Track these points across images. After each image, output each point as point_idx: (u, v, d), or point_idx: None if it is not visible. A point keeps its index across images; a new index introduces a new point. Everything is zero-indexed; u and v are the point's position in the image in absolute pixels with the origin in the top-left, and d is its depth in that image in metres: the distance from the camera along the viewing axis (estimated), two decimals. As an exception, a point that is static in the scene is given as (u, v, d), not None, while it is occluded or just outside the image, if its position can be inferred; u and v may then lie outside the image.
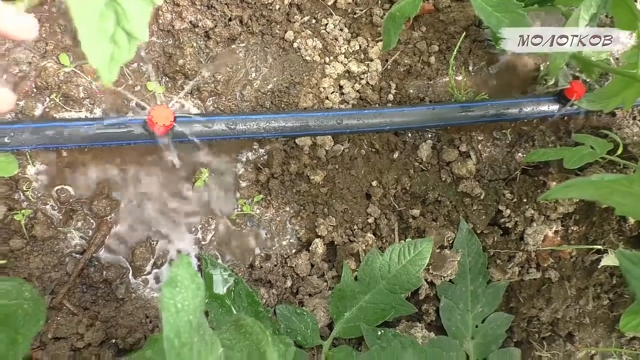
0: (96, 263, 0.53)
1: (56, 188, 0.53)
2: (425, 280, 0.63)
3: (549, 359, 0.64)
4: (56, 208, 0.53)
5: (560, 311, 0.66)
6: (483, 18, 0.47)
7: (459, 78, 0.66)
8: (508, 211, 0.65)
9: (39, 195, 0.53)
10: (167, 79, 0.58)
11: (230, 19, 0.60)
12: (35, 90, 0.53)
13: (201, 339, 0.32)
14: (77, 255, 0.53)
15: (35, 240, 0.51)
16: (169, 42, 0.58)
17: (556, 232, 0.66)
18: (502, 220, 0.65)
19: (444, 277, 0.63)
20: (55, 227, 0.53)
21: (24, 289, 0.43)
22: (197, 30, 0.58)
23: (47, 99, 0.53)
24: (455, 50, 0.62)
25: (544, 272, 0.66)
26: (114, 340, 0.52)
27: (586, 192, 0.31)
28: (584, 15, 0.51)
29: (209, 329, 0.34)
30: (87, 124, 0.49)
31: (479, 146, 0.66)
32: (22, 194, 0.52)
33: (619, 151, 0.63)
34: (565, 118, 0.69)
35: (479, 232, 0.65)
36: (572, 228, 0.66)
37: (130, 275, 0.54)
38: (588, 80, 0.69)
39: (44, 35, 0.54)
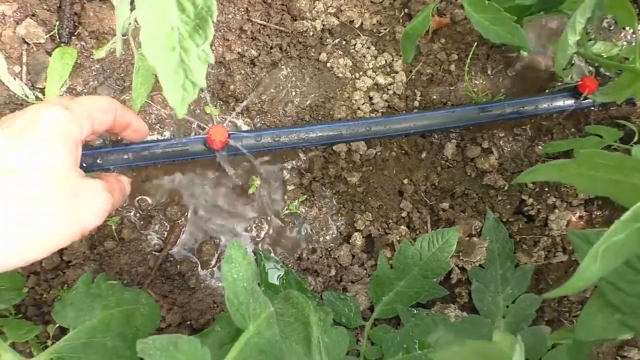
0: (171, 259, 0.64)
1: (137, 198, 0.65)
2: (457, 266, 0.70)
3: (579, 336, 0.69)
4: (138, 215, 0.65)
5: (589, 290, 0.71)
6: (482, 32, 0.54)
7: (478, 82, 0.73)
8: (531, 200, 0.71)
9: (125, 205, 0.65)
10: (221, 103, 0.69)
11: (271, 47, 0.70)
12: (117, 119, 0.65)
13: (255, 300, 0.41)
14: (156, 253, 0.64)
15: (123, 241, 0.63)
16: (222, 72, 0.69)
17: (580, 217, 0.71)
18: (526, 208, 0.71)
19: (473, 262, 0.70)
20: (138, 231, 0.64)
21: (141, 297, 0.55)
22: (244, 59, 0.69)
23: (127, 126, 0.65)
24: (470, 57, 0.70)
25: (571, 255, 0.71)
26: (188, 322, 0.63)
27: (550, 174, 0.38)
28: (580, 19, 0.57)
29: (262, 295, 0.43)
30: (160, 144, 0.60)
31: (501, 142, 0.73)
32: (111, 205, 0.64)
33: (635, 139, 0.67)
34: (585, 111, 0.74)
35: (504, 220, 0.71)
36: (596, 213, 0.71)
37: (199, 268, 0.65)
38: (608, 74, 0.74)
39: (122, 75, 0.66)
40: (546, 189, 0.71)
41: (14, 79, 0.63)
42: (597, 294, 0.39)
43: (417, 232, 0.71)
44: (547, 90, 0.74)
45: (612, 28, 0.79)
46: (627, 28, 0.77)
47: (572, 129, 0.73)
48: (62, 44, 0.65)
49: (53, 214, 0.41)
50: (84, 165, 0.59)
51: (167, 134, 0.66)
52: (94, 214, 0.45)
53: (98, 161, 0.59)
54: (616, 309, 0.37)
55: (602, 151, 0.35)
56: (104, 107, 0.49)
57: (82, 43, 0.65)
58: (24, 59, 0.64)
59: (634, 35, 0.73)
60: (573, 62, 0.70)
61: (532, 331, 0.70)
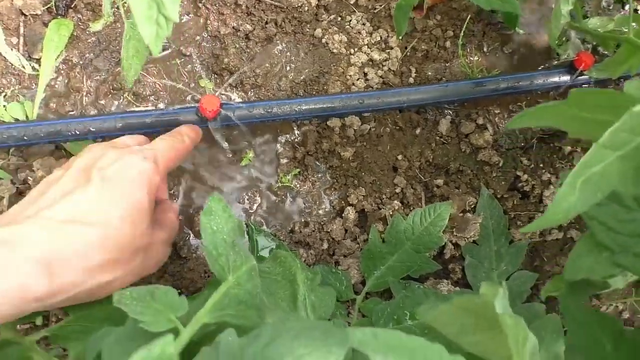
0: (164, 229, 0.65)
1: (131, 169, 0.65)
2: (450, 242, 0.70)
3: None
4: (131, 185, 0.65)
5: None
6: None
7: (474, 59, 0.72)
8: (526, 176, 0.70)
9: (118, 175, 0.65)
10: (216, 76, 0.69)
11: (266, 22, 0.71)
12: (112, 91, 0.66)
13: (236, 253, 0.41)
14: (149, 223, 0.65)
15: (116, 210, 0.64)
16: (216, 46, 0.69)
17: (576, 194, 0.70)
18: (521, 184, 0.71)
19: (467, 238, 0.69)
20: (131, 200, 0.65)
21: None
22: (238, 33, 0.69)
23: (122, 98, 0.66)
24: (463, 31, 0.69)
25: (566, 232, 0.70)
26: (179, 291, 0.63)
27: (541, 119, 0.37)
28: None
29: (244, 249, 0.43)
30: (152, 113, 0.61)
31: (496, 119, 0.72)
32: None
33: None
34: (581, 87, 0.73)
35: (499, 196, 0.71)
36: (592, 190, 0.70)
37: (191, 238, 0.65)
38: (606, 52, 0.73)
39: (118, 48, 0.67)
40: (541, 165, 0.71)
41: (11, 49, 0.64)
42: (587, 236, 0.38)
43: (411, 208, 0.71)
44: (542, 67, 0.73)
45: (611, 7, 0.78)
46: (625, 7, 0.76)
47: (569, 106, 0.72)
48: (59, 16, 0.65)
49: (126, 268, 0.45)
50: (77, 133, 0.60)
51: (161, 107, 0.67)
52: (155, 266, 0.50)
53: (91, 129, 0.60)
54: (606, 249, 0.37)
55: (594, 89, 0.34)
56: (172, 148, 0.53)
57: (79, 15, 0.66)
58: (21, 30, 0.65)
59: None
60: (569, 37, 0.70)
61: (526, 308, 0.70)
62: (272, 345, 0.37)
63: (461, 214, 0.70)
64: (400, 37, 0.72)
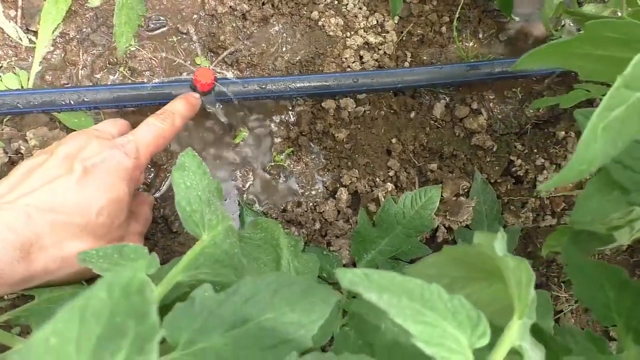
0: (156, 202, 0.64)
1: (124, 142, 0.65)
2: (443, 225, 0.69)
3: (567, 299, 0.68)
4: (124, 159, 0.65)
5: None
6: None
7: (469, 45, 0.73)
8: (519, 161, 0.70)
9: (111, 149, 0.65)
10: (212, 54, 0.69)
11: (263, 3, 0.71)
12: (108, 65, 0.66)
13: (212, 212, 0.41)
14: (140, 197, 0.64)
15: (107, 183, 0.64)
16: (213, 24, 0.70)
17: (570, 181, 0.70)
18: (514, 169, 0.70)
19: (460, 222, 0.69)
20: (123, 174, 0.65)
21: None
22: (235, 13, 0.70)
23: (117, 72, 0.66)
24: (457, 14, 0.70)
25: (560, 219, 0.70)
26: (169, 265, 0.63)
27: (550, 59, 0.35)
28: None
29: (221, 208, 0.43)
30: (147, 86, 0.61)
31: (490, 104, 0.72)
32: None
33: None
34: (574, 74, 0.73)
35: (492, 181, 0.71)
36: (587, 177, 0.70)
37: (182, 214, 0.65)
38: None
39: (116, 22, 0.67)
40: (535, 150, 0.70)
41: (9, 22, 0.65)
42: (595, 177, 0.37)
43: (405, 192, 0.70)
44: (538, 54, 0.74)
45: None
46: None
47: (564, 93, 0.73)
48: (58, -10, 0.66)
49: None
50: (72, 102, 0.60)
51: (156, 81, 0.67)
52: None
53: (85, 99, 0.60)
54: (617, 188, 0.35)
55: (612, 20, 0.32)
56: (160, 136, 0.53)
57: (77, -10, 0.67)
58: (20, 2, 0.65)
59: None
60: (563, 23, 0.70)
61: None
62: (251, 300, 0.36)
63: (454, 198, 0.70)
64: (396, 21, 0.72)
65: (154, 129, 0.52)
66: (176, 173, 0.40)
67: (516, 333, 0.29)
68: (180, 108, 0.56)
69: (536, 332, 0.36)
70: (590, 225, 0.37)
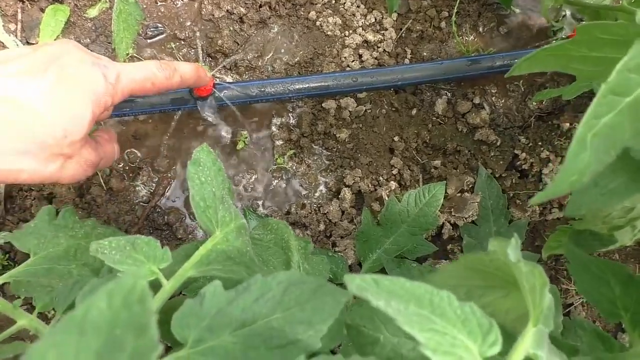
0: (159, 210, 0.65)
1: (126, 151, 0.66)
2: (448, 222, 0.69)
3: (577, 292, 0.67)
4: (127, 167, 0.66)
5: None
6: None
7: (469, 39, 0.72)
8: (524, 154, 0.69)
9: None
10: (210, 59, 0.69)
11: (260, 5, 0.71)
12: (108, 74, 0.66)
13: (225, 209, 0.41)
14: (144, 204, 0.65)
15: (112, 192, 0.64)
16: (211, 29, 0.70)
17: (576, 173, 0.69)
18: (519, 163, 0.70)
19: (465, 218, 0.68)
20: (127, 182, 0.65)
21: (116, 235, 0.55)
22: (232, 16, 0.70)
23: (117, 81, 0.67)
24: (456, 8, 0.69)
25: (566, 211, 0.69)
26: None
27: (547, 63, 0.35)
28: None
29: (234, 207, 0.43)
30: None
31: (493, 98, 0.72)
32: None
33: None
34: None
35: (497, 176, 0.70)
36: (592, 168, 0.69)
37: (187, 219, 0.65)
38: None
39: (115, 28, 0.68)
40: (539, 143, 0.70)
41: (9, 35, 0.65)
42: None
43: (409, 190, 0.70)
44: (537, 44, 0.73)
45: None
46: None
47: (567, 84, 0.72)
48: (56, 2, 0.66)
49: (38, 165, 0.42)
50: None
51: (156, 89, 0.67)
52: (69, 180, 0.45)
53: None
54: (615, 179, 0.34)
55: (604, 22, 0.31)
56: (148, 79, 0.48)
57: (75, 1, 0.67)
58: (19, 16, 0.66)
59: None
60: (564, 13, 0.69)
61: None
62: (261, 299, 0.36)
63: (459, 194, 0.70)
64: (395, 18, 0.72)
65: (147, 71, 0.48)
66: (191, 168, 0.40)
67: (530, 341, 0.28)
68: (184, 69, 0.52)
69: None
70: (590, 224, 0.36)
